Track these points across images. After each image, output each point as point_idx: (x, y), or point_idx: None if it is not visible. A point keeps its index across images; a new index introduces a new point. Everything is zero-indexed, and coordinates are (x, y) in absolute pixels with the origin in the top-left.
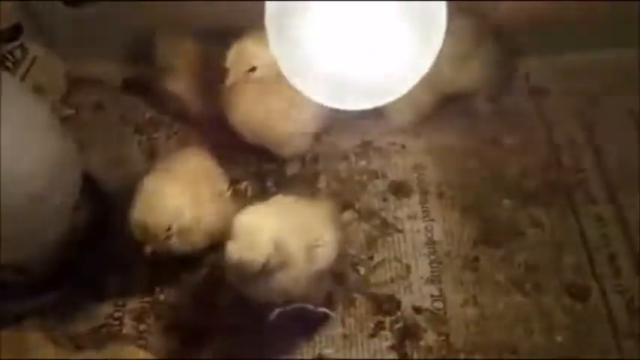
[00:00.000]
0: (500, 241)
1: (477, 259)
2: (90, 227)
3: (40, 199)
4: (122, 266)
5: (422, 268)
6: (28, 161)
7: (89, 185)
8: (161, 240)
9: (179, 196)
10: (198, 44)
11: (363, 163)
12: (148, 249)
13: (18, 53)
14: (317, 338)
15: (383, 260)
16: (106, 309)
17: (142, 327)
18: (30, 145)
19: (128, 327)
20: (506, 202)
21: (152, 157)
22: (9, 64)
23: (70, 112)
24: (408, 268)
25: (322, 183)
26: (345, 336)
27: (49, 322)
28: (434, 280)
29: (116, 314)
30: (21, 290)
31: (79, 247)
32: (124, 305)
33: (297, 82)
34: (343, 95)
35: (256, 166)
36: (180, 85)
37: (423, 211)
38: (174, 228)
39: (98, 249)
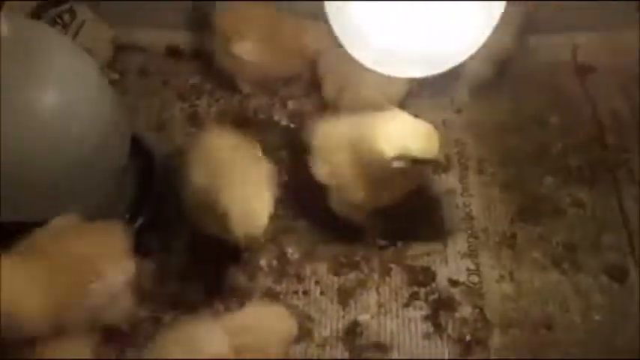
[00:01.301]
0: (540, 219)
1: (514, 235)
2: (136, 188)
3: (92, 161)
4: (164, 226)
5: (459, 242)
6: (80, 123)
7: (136, 148)
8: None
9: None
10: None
11: None
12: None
13: (67, 17)
14: (353, 304)
15: (419, 234)
16: (150, 266)
17: (183, 285)
18: (83, 106)
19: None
20: (547, 179)
21: (194, 123)
22: (58, 27)
23: (115, 76)
24: (444, 242)
25: None
26: (380, 304)
27: None
28: (470, 254)
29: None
30: None
31: (126, 207)
32: (166, 264)
33: (354, 52)
34: (400, 64)
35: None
36: (247, 51)
37: (463, 187)
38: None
39: (143, 210)
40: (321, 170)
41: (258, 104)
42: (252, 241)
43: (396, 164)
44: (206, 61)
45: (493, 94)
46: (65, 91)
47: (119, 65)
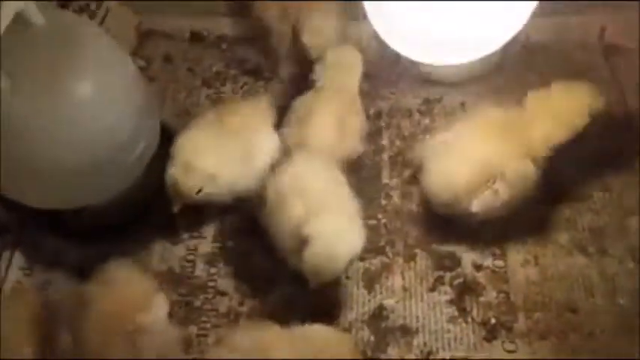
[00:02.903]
0: (565, 204)
1: (540, 220)
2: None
3: (125, 148)
4: (193, 212)
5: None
6: (115, 111)
7: (165, 135)
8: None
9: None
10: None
11: (426, 121)
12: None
13: (93, 5)
14: (378, 289)
15: (445, 219)
16: (180, 252)
17: (212, 270)
18: (116, 94)
19: (200, 269)
20: (574, 163)
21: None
22: (85, 16)
23: (142, 63)
24: (470, 227)
25: (385, 140)
26: (404, 288)
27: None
28: (495, 239)
29: (189, 257)
30: (102, 233)
31: (155, 192)
32: (196, 249)
33: (389, 39)
34: (435, 51)
35: None
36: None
37: None
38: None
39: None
40: None
41: (282, 89)
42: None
43: None
44: (230, 48)
45: (520, 75)
46: (99, 79)
47: (144, 52)
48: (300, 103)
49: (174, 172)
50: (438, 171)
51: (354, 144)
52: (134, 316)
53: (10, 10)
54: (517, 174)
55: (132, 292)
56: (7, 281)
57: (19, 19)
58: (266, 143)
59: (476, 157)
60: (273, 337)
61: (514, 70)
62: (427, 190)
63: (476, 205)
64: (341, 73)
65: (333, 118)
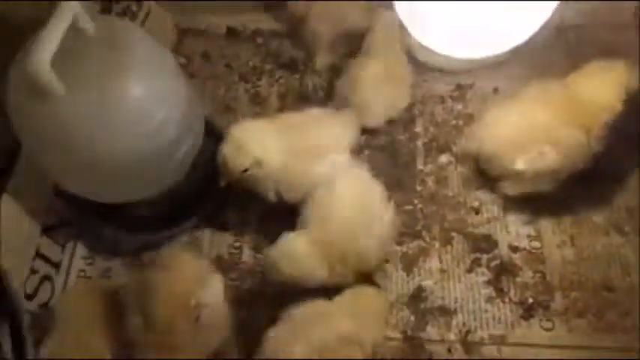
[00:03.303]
0: (601, 184)
1: (575, 200)
2: (210, 167)
3: (174, 144)
4: (239, 201)
5: (519, 209)
6: (163, 110)
7: (208, 129)
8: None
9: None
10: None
11: (459, 106)
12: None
13: (134, 6)
14: (416, 271)
15: (480, 202)
16: (228, 239)
17: (258, 256)
18: (164, 94)
19: (246, 256)
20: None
21: (257, 103)
22: (126, 19)
23: (182, 61)
24: (505, 209)
25: (419, 127)
26: (442, 270)
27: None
28: (531, 221)
29: (236, 244)
30: (155, 223)
31: (202, 184)
32: (242, 236)
33: (420, 36)
34: (466, 43)
35: None
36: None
37: None
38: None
39: (217, 186)
40: None
41: (317, 82)
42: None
43: None
44: (265, 42)
45: (554, 58)
46: (147, 80)
47: (183, 50)
48: (351, 67)
49: (225, 149)
50: (492, 122)
51: (402, 93)
52: (194, 294)
53: (67, 11)
54: (568, 141)
55: (191, 273)
56: (71, 270)
57: (70, 29)
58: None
59: (529, 118)
60: (323, 307)
61: (547, 54)
62: (477, 142)
63: (520, 163)
64: (385, 36)
65: (381, 71)
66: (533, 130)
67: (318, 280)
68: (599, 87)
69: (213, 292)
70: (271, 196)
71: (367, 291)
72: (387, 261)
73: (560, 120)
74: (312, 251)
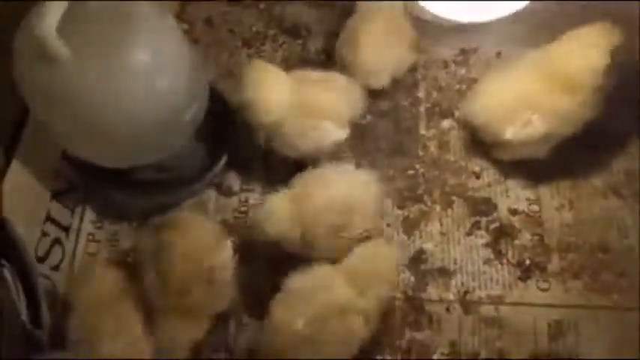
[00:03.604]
0: (601, 148)
1: (575, 165)
2: (215, 132)
3: (180, 109)
4: (243, 166)
5: (519, 173)
6: (168, 74)
7: (212, 95)
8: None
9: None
10: None
11: (462, 71)
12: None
13: None
14: (417, 235)
15: (481, 167)
16: (233, 203)
17: None
18: (170, 58)
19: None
20: (608, 108)
21: None
22: None
23: (185, 27)
24: (505, 174)
25: (421, 92)
26: (442, 233)
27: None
28: (530, 185)
29: (242, 208)
30: (162, 187)
31: (208, 149)
32: (247, 201)
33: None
34: (468, 6)
35: None
36: None
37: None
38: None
39: (222, 151)
40: None
41: (319, 47)
42: None
43: None
44: (268, 7)
45: (550, 21)
46: (152, 45)
47: (186, 16)
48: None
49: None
50: (483, 91)
51: (404, 52)
52: (207, 256)
53: None
54: (555, 108)
55: (202, 236)
56: (81, 234)
57: None
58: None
59: (517, 87)
60: (325, 273)
61: (551, 17)
62: (471, 112)
63: (509, 133)
64: None
65: (380, 31)
66: (521, 99)
67: (296, 244)
68: (579, 50)
69: (224, 255)
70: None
71: (374, 250)
72: (388, 225)
73: (546, 87)
74: (291, 214)
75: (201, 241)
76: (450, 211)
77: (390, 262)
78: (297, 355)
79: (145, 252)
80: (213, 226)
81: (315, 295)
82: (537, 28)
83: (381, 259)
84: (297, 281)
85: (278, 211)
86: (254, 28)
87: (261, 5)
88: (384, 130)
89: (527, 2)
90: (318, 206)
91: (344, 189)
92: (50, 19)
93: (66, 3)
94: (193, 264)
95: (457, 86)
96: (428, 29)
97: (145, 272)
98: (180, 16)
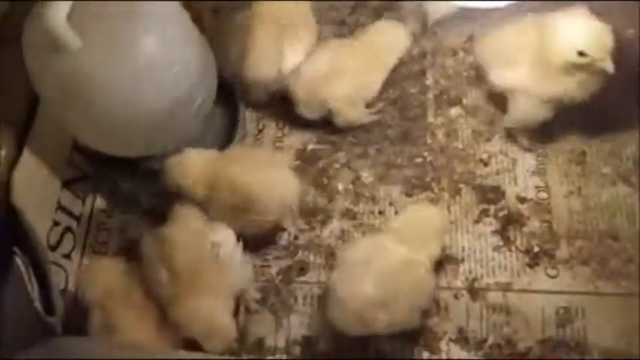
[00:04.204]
0: (610, 135)
1: (584, 153)
2: (223, 124)
3: (189, 98)
4: None
5: (528, 161)
6: (178, 63)
7: (220, 84)
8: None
9: None
10: None
11: (470, 59)
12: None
13: None
14: None
15: (489, 155)
16: None
17: None
18: (178, 47)
19: None
20: (618, 95)
21: None
22: None
23: (192, 16)
24: (514, 161)
25: (429, 79)
26: (450, 221)
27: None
28: (539, 172)
29: None
30: None
31: (215, 138)
32: None
33: None
34: None
35: None
36: None
37: None
38: None
39: (230, 141)
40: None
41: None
42: None
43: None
44: None
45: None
46: (161, 34)
47: (194, 5)
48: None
49: None
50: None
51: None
52: (208, 236)
53: None
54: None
55: (200, 224)
56: (92, 222)
57: None
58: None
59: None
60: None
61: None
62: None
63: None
64: None
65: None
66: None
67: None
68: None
69: (224, 233)
70: None
71: (421, 213)
72: (396, 212)
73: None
74: (199, 174)
75: (200, 227)
76: (458, 198)
77: (437, 224)
78: (374, 320)
79: (149, 245)
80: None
81: (373, 261)
82: (544, 13)
83: (427, 221)
84: (350, 254)
85: (186, 165)
86: None
87: None
88: (391, 118)
89: None
90: (227, 182)
91: (259, 177)
92: (61, 9)
93: None
94: (197, 247)
95: (465, 73)
96: (435, 16)
97: (153, 266)
98: (187, 5)
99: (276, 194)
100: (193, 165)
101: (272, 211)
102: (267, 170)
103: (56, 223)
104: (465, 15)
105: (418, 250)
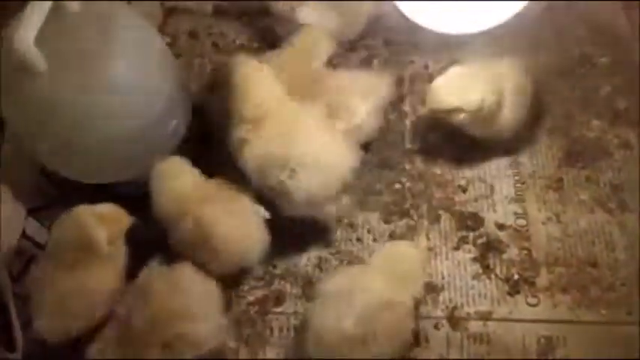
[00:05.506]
0: (587, 162)
1: (561, 179)
2: (195, 145)
3: (161, 124)
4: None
5: (506, 188)
6: (148, 89)
7: (195, 109)
8: None
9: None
10: None
11: None
12: None
13: None
14: None
15: (467, 180)
16: None
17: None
18: (151, 72)
19: None
20: (594, 122)
21: None
22: None
23: (167, 40)
24: (492, 188)
25: (407, 106)
26: (429, 248)
27: None
28: (517, 199)
29: None
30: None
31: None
32: None
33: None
34: (451, 20)
35: None
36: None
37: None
38: None
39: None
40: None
41: None
42: None
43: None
44: (251, 21)
45: (537, 34)
46: (133, 59)
47: (170, 29)
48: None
49: None
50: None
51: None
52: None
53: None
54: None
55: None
56: None
57: (55, 6)
58: None
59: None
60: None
61: (537, 30)
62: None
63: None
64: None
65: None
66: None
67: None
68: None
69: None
70: None
71: (403, 250)
72: (375, 240)
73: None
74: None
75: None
76: (437, 225)
77: (418, 263)
78: (350, 355)
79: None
80: None
81: (355, 296)
82: (523, 40)
83: (409, 260)
84: (329, 286)
85: (172, 189)
86: (238, 42)
87: (245, 19)
88: (370, 144)
89: (513, 15)
90: (194, 217)
91: (227, 226)
92: (27, 30)
93: (44, 15)
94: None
95: None
96: (413, 42)
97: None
98: (163, 29)
99: (241, 247)
100: (176, 189)
101: (232, 264)
102: (236, 219)
103: (20, 253)
104: (442, 40)
105: (400, 290)
